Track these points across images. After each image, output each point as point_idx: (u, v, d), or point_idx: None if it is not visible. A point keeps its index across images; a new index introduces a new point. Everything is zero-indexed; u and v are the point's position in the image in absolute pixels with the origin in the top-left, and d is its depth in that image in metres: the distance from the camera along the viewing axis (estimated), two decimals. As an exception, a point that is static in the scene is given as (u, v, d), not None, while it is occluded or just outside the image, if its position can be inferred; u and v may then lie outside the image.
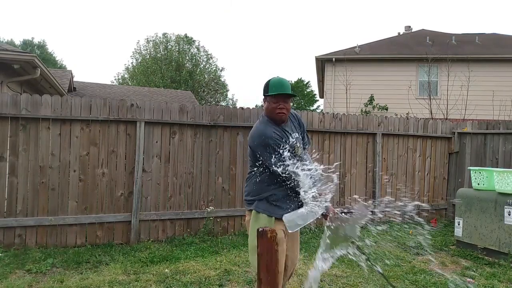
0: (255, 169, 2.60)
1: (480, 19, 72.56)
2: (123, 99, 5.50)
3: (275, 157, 2.47)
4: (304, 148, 2.79)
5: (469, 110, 11.21)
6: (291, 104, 2.64)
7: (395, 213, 2.90)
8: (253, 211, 2.63)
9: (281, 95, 2.51)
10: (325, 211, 2.37)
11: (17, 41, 39.67)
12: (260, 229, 2.24)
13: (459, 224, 5.19)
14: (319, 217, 2.39)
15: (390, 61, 14.77)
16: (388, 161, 6.72)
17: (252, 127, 2.73)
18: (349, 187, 6.43)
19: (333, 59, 14.91)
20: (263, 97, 2.64)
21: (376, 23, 73.47)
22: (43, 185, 4.71)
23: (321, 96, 19.26)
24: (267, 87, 2.57)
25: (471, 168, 5.36)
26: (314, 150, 6.15)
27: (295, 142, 2.60)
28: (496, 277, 4.08)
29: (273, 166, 2.46)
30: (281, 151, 2.48)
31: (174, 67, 27.91)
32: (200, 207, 5.45)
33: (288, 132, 2.62)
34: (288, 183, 2.45)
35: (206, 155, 5.52)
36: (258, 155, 2.55)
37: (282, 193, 2.55)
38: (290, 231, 2.38)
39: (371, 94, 14.09)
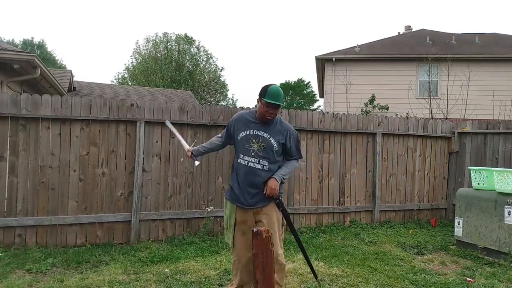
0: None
1: (480, 19, 72.62)
2: (123, 98, 5.50)
3: (227, 133, 3.19)
4: (296, 158, 3.14)
5: (469, 110, 11.22)
6: (280, 111, 3.11)
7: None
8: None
9: (273, 104, 2.90)
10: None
11: (17, 41, 39.65)
12: (255, 229, 2.24)
13: (459, 224, 5.19)
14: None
15: (390, 61, 14.78)
16: (388, 161, 6.72)
17: None
18: (349, 187, 6.43)
19: (333, 59, 14.91)
20: (258, 96, 2.99)
21: (376, 23, 73.56)
22: (43, 185, 4.70)
23: (321, 96, 19.26)
24: (265, 92, 2.91)
25: (471, 168, 5.37)
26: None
27: (254, 137, 2.98)
28: (496, 277, 4.08)
29: (219, 135, 3.33)
30: (231, 129, 3.10)
31: (174, 67, 27.88)
32: (200, 207, 5.45)
33: (260, 129, 2.99)
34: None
35: (206, 154, 5.50)
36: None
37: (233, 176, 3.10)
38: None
39: (373, 94, 14.09)
